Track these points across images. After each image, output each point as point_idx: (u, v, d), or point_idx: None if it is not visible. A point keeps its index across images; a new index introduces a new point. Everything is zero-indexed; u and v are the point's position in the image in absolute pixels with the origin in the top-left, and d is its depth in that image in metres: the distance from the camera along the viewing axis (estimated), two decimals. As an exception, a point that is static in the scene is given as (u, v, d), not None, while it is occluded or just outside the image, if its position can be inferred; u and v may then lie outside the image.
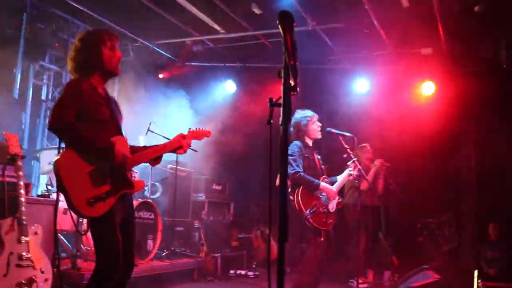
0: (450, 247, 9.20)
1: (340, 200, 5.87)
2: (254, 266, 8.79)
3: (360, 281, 6.71)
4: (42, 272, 4.35)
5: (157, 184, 7.98)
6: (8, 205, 4.48)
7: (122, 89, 8.53)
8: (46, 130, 7.86)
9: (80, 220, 5.72)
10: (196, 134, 3.90)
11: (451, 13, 7.21)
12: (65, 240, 6.03)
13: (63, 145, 3.44)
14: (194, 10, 7.44)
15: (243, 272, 8.13)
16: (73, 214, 3.40)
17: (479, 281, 6.62)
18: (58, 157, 3.34)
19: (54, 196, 5.59)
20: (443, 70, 8.83)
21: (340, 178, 5.94)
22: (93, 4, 7.36)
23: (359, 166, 6.16)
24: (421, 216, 9.35)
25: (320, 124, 5.95)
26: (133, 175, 3.63)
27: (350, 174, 5.93)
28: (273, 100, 2.23)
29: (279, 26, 2.20)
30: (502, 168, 9.12)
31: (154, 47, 8.85)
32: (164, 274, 6.74)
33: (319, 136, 5.95)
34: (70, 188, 3.27)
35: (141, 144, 4.25)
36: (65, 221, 5.97)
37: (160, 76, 9.67)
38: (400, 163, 8.44)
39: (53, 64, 7.90)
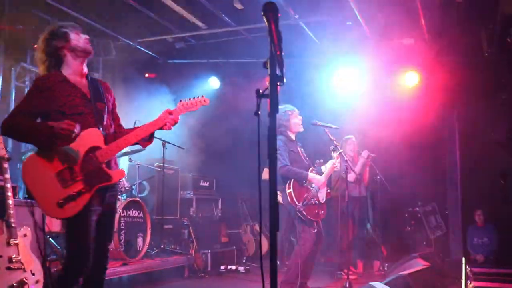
0: (437, 235, 9.32)
1: (328, 190, 5.96)
2: (244, 261, 8.84)
3: (349, 272, 6.78)
4: (33, 274, 4.35)
5: (144, 182, 8.00)
6: (-5, 208, 4.46)
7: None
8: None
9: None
10: (188, 105, 3.76)
11: (433, 3, 7.27)
12: (54, 242, 6.02)
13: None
14: (175, 6, 7.42)
15: (233, 267, 8.15)
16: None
17: (467, 267, 6.72)
18: (24, 161, 3.32)
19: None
20: (426, 61, 8.91)
21: (326, 168, 6.03)
22: (73, 4, 7.31)
23: (345, 158, 6.25)
24: (408, 205, 9.46)
25: (301, 118, 6.02)
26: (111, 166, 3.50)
27: (334, 163, 6.01)
28: (260, 91, 2.25)
29: (264, 17, 2.23)
30: (486, 156, 9.24)
31: (136, 45, 8.81)
32: (155, 272, 6.77)
33: (301, 129, 6.02)
34: (38, 193, 3.24)
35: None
36: (54, 223, 5.97)
37: (146, 75, 9.63)
38: (385, 153, 8.52)
39: (34, 65, 7.85)
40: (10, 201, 4.36)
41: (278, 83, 2.14)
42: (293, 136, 6.03)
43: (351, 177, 7.61)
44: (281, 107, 5.93)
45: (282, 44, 2.17)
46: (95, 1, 7.19)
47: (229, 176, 9.74)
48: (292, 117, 5.96)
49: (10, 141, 7.25)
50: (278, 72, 2.14)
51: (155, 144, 7.25)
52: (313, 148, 6.39)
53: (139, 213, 6.86)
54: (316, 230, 5.80)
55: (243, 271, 8.06)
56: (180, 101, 3.75)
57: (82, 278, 3.37)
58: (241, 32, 8.47)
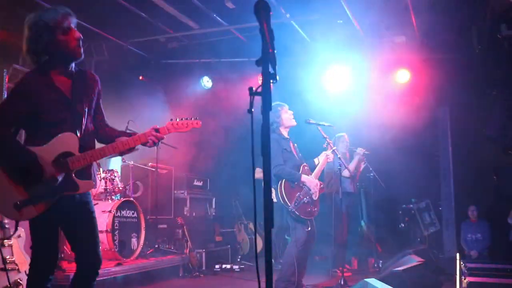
0: (431, 232, 9.38)
1: (322, 186, 5.98)
2: (239, 259, 8.87)
3: (344, 269, 6.82)
4: (27, 275, 4.35)
5: (138, 183, 8.01)
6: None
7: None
8: (23, 133, 7.80)
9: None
10: (179, 126, 3.55)
11: (424, 1, 7.31)
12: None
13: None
14: (167, 6, 7.43)
15: (228, 266, 8.20)
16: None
17: (462, 263, 6.76)
18: None
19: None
20: (417, 58, 8.96)
21: (319, 160, 6.06)
22: (64, 4, 7.29)
23: (338, 155, 6.28)
24: (402, 202, 9.51)
25: (292, 112, 6.04)
26: (92, 174, 3.37)
27: (327, 155, 6.04)
28: (253, 89, 2.26)
29: (256, 16, 2.24)
30: (479, 152, 9.30)
31: (128, 46, 8.81)
32: (150, 272, 6.78)
33: (293, 123, 6.02)
34: None
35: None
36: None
37: (140, 78, 9.62)
38: (378, 150, 8.55)
39: (26, 66, 7.83)
40: (4, 203, 4.36)
41: (271, 81, 2.16)
42: (285, 133, 6.04)
43: (345, 173, 7.65)
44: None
45: (274, 42, 2.19)
46: (86, 2, 7.18)
47: (223, 175, 9.77)
48: (282, 112, 5.98)
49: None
50: (270, 69, 2.15)
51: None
52: (307, 146, 6.40)
53: (133, 213, 6.88)
54: (309, 229, 5.83)
55: (238, 270, 8.10)
56: (171, 119, 3.54)
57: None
58: (233, 32, 8.48)
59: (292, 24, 7.96)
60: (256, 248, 8.67)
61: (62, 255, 5.70)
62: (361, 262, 8.61)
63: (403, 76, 9.25)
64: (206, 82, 9.96)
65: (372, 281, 3.96)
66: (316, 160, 6.13)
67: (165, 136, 3.50)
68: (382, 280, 4.63)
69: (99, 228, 3.60)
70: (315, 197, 5.86)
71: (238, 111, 8.73)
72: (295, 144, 6.16)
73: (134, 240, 6.81)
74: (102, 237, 6.08)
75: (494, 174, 9.52)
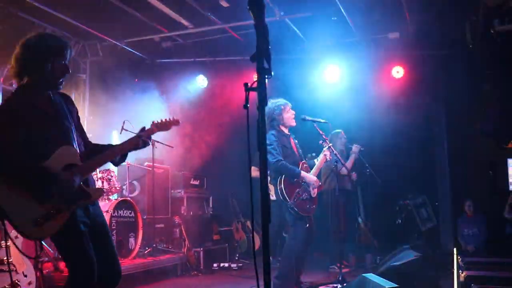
0: (428, 227, 9.40)
1: (320, 184, 6.01)
2: (237, 258, 8.89)
3: (342, 266, 6.84)
4: (25, 276, 4.37)
5: (135, 182, 8.01)
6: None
7: (93, 89, 8.50)
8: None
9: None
10: (161, 125, 3.79)
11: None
12: (45, 244, 6.02)
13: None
14: (161, 6, 7.42)
15: (226, 264, 8.21)
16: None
17: (459, 257, 6.79)
18: None
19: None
20: (412, 54, 8.99)
21: (317, 163, 6.08)
22: (58, 5, 7.30)
23: (335, 151, 6.30)
24: (398, 198, 9.53)
25: (293, 112, 6.07)
26: (93, 181, 3.48)
27: (325, 155, 6.07)
28: (248, 84, 2.27)
29: (250, 12, 2.24)
30: (474, 147, 9.34)
31: (123, 46, 8.80)
32: (148, 271, 6.79)
33: (293, 123, 6.07)
34: (12, 210, 3.01)
35: (114, 141, 4.07)
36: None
37: (135, 80, 9.62)
38: (374, 147, 8.58)
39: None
40: (1, 204, 4.36)
41: (266, 76, 2.17)
42: (286, 130, 6.08)
43: (342, 170, 7.66)
44: (274, 101, 6.02)
45: (269, 38, 2.19)
46: (80, 2, 7.18)
47: (219, 173, 9.79)
48: (285, 111, 6.01)
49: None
50: (265, 65, 2.16)
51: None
52: (303, 142, 6.43)
53: (130, 213, 6.89)
54: (307, 225, 5.86)
55: (236, 268, 8.11)
56: (153, 122, 3.76)
57: None
58: (228, 30, 8.49)
59: (286, 21, 7.97)
60: (254, 246, 8.68)
61: (60, 256, 5.69)
62: (359, 258, 8.63)
63: (398, 72, 9.27)
64: (202, 81, 9.96)
65: (370, 276, 3.97)
66: (315, 161, 6.16)
67: (151, 136, 3.70)
68: (380, 275, 4.64)
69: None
70: (313, 194, 5.89)
71: (234, 109, 8.76)
72: (296, 141, 6.19)
73: (131, 240, 6.82)
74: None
75: (489, 169, 9.56)
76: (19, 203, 3.03)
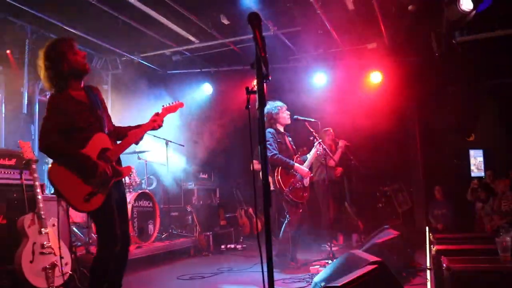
0: (404, 209, 9.46)
1: (311, 175, 6.06)
2: (241, 240, 8.92)
3: (332, 244, 6.88)
4: (62, 258, 4.40)
5: (152, 177, 8.04)
6: (27, 203, 4.51)
7: (115, 98, 8.53)
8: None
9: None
10: (169, 108, 3.94)
11: (390, 12, 7.36)
12: (77, 231, 6.07)
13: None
14: (171, 24, 7.46)
15: (232, 246, 8.20)
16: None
17: (430, 234, 6.85)
18: (49, 168, 3.30)
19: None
20: (388, 61, 9.02)
21: (309, 157, 6.13)
22: (83, 27, 7.34)
23: (324, 146, 6.35)
24: (378, 185, 9.58)
25: (288, 113, 6.13)
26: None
27: (318, 150, 6.12)
28: (249, 88, 2.31)
29: (249, 25, 2.26)
30: (442, 140, 9.39)
31: (139, 60, 8.84)
32: (165, 253, 6.81)
33: (288, 122, 6.14)
34: (66, 192, 3.25)
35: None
36: (77, 214, 6.03)
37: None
38: (357, 141, 8.61)
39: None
40: (40, 197, 4.42)
41: (264, 81, 2.20)
42: (281, 129, 6.13)
43: (331, 163, 7.69)
44: (271, 103, 6.06)
45: (266, 47, 2.22)
46: (102, 24, 7.21)
47: (225, 168, 9.81)
48: (281, 112, 6.07)
49: (36, 145, 7.29)
50: (264, 70, 2.20)
51: (159, 143, 7.34)
52: (296, 139, 6.46)
53: (149, 203, 6.92)
54: (301, 210, 5.91)
55: (241, 248, 8.11)
56: (163, 106, 3.92)
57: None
58: (229, 44, 8.53)
59: (278, 35, 8.01)
60: (257, 229, 8.74)
61: (90, 241, 5.74)
62: (346, 238, 8.67)
63: (376, 77, 9.31)
64: (207, 88, 10.00)
65: (356, 252, 4.01)
66: (308, 156, 6.20)
67: (164, 118, 3.85)
68: (365, 251, 4.69)
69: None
70: (306, 183, 5.94)
71: (235, 112, 8.79)
72: (290, 138, 6.23)
73: (150, 226, 6.85)
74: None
75: (455, 158, 9.62)
76: (69, 184, 3.25)
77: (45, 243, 4.29)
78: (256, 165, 7.00)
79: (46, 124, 3.32)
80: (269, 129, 5.94)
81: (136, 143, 3.73)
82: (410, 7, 7.16)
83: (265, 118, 5.93)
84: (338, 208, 8.50)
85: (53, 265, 4.27)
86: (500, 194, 8.11)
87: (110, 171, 3.41)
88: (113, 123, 3.80)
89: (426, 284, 4.45)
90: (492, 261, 3.90)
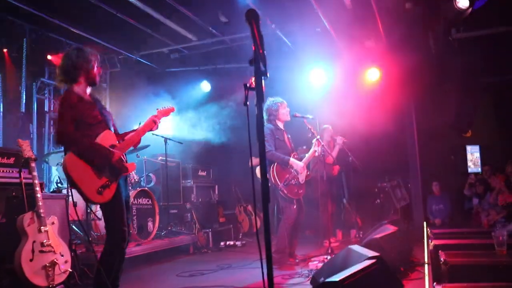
0: (402, 205, 9.47)
1: (308, 173, 6.05)
2: (240, 236, 8.93)
3: (331, 240, 6.89)
4: (62, 255, 4.39)
5: (150, 175, 8.03)
6: (27, 202, 4.49)
7: (113, 96, 8.53)
8: (52, 137, 7.85)
9: (88, 211, 5.77)
10: (164, 112, 4.11)
11: (387, 10, 7.37)
12: (76, 229, 6.06)
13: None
14: (169, 22, 7.45)
15: (231, 242, 8.20)
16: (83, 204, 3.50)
17: (428, 229, 6.87)
18: (65, 158, 3.41)
19: (64, 191, 5.63)
20: (385, 59, 9.03)
21: (307, 155, 6.12)
22: (82, 25, 7.34)
23: (322, 143, 6.34)
24: (377, 182, 9.59)
25: (288, 109, 6.11)
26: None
27: (315, 151, 6.11)
28: (248, 84, 2.31)
29: (247, 22, 2.26)
30: (439, 136, 9.41)
31: (137, 58, 8.83)
32: (165, 250, 6.80)
33: (288, 118, 6.12)
34: (81, 183, 3.37)
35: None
36: (75, 212, 6.00)
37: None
38: (355, 138, 8.61)
39: (52, 80, 7.86)
40: (39, 195, 4.40)
41: (263, 77, 2.19)
42: (281, 125, 6.11)
43: (329, 160, 7.68)
44: (272, 99, 6.04)
45: (264, 44, 2.22)
46: (100, 22, 7.21)
47: (223, 165, 9.82)
48: (281, 108, 6.05)
49: (34, 143, 7.30)
50: (262, 67, 2.19)
51: (158, 141, 7.34)
52: (294, 136, 6.46)
53: (148, 201, 6.91)
54: (295, 207, 5.91)
55: (240, 245, 8.12)
56: (157, 109, 4.12)
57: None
58: (226, 42, 8.51)
59: (277, 33, 8.00)
60: (256, 226, 8.75)
61: (90, 239, 5.73)
62: (345, 233, 8.68)
63: (374, 74, 9.32)
64: (205, 85, 9.99)
65: (355, 247, 4.02)
66: (306, 155, 6.20)
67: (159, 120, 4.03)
68: (363, 246, 4.70)
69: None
70: (301, 180, 5.93)
71: (234, 109, 8.79)
72: (289, 136, 6.22)
73: (150, 224, 6.84)
74: (124, 222, 6.12)
75: (452, 154, 9.65)
76: (84, 175, 3.39)
77: (44, 241, 4.28)
78: (254, 160, 6.99)
79: (61, 117, 3.47)
80: (268, 125, 5.93)
81: (135, 146, 3.90)
82: (407, 5, 7.17)
83: (264, 114, 5.98)
84: (336, 205, 8.50)
85: (53, 263, 4.26)
86: (497, 189, 8.13)
87: (125, 160, 3.64)
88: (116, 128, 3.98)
89: (424, 279, 4.45)
90: (488, 256, 3.92)
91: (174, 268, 6.07)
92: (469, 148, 9.01)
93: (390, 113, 9.26)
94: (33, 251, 4.15)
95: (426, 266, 5.05)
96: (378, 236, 4.98)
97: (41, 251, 4.22)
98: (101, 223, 6.03)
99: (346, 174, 8.97)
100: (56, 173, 6.69)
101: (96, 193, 3.39)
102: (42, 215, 4.34)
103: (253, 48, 2.18)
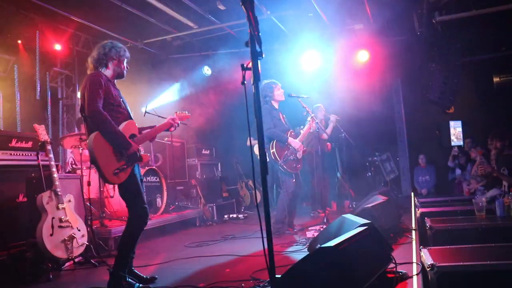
0: (392, 177, 9.53)
1: (304, 148, 6.07)
2: (242, 210, 8.99)
3: (326, 210, 6.94)
4: (79, 230, 4.45)
5: (158, 154, 8.07)
6: (45, 182, 4.53)
7: (119, 84, 8.49)
8: (65, 121, 7.86)
9: (102, 189, 5.80)
10: (181, 116, 4.21)
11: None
12: (91, 206, 6.10)
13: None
14: (170, 11, 7.38)
15: (234, 215, 8.26)
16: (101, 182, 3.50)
17: (415, 199, 6.93)
18: (92, 136, 3.40)
19: (79, 172, 5.66)
20: (373, 41, 8.98)
21: (302, 132, 6.14)
22: (89, 16, 7.27)
23: (316, 121, 6.35)
24: (368, 156, 9.63)
25: (283, 90, 6.11)
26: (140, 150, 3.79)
27: (310, 127, 6.14)
28: (244, 65, 2.30)
29: (243, 6, 2.24)
30: (424, 113, 9.42)
31: (142, 46, 8.76)
32: (173, 224, 6.86)
33: (283, 98, 6.12)
34: (101, 162, 3.37)
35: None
36: (90, 191, 6.05)
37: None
38: (347, 116, 8.62)
39: (63, 69, 7.82)
40: (55, 175, 4.43)
41: (258, 58, 2.19)
42: (276, 105, 6.11)
43: (323, 136, 7.69)
44: (267, 81, 6.03)
45: (259, 27, 2.20)
46: (106, 13, 7.14)
47: (225, 144, 9.83)
48: (275, 89, 6.05)
49: (50, 128, 7.31)
50: (257, 48, 2.19)
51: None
52: (289, 116, 6.46)
53: (156, 179, 6.94)
54: (294, 180, 5.95)
55: (242, 218, 8.18)
56: (176, 112, 4.20)
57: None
58: (225, 28, 8.45)
59: (272, 19, 7.93)
60: (257, 200, 8.81)
61: (104, 215, 5.79)
62: (339, 204, 8.75)
63: (363, 56, 9.28)
64: (206, 70, 9.93)
65: (348, 216, 4.06)
66: (301, 131, 6.22)
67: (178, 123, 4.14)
68: (356, 215, 4.74)
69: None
70: (299, 156, 5.96)
71: (233, 91, 8.77)
72: (284, 115, 6.23)
73: (158, 200, 6.88)
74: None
75: (436, 129, 9.67)
76: (105, 155, 3.40)
77: (62, 217, 4.33)
78: (252, 141, 7.01)
79: (90, 94, 3.44)
80: (265, 105, 5.94)
81: (152, 140, 4.05)
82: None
83: (260, 95, 5.97)
84: (330, 178, 8.54)
85: (71, 237, 4.32)
86: (477, 161, 8.16)
87: (140, 153, 3.66)
88: None
89: (411, 243, 4.51)
90: (469, 220, 3.98)
91: (183, 239, 6.12)
92: (452, 123, 9.02)
93: (379, 92, 9.28)
94: (52, 226, 4.21)
95: (413, 231, 5.11)
96: (370, 205, 5.02)
97: (60, 227, 4.28)
98: (113, 201, 6.06)
99: (339, 149, 9.00)
100: (71, 155, 6.71)
101: (112, 174, 3.40)
102: (59, 193, 4.39)
103: (249, 31, 2.17)
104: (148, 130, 3.89)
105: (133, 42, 8.53)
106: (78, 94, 7.78)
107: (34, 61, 6.80)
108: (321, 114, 8.10)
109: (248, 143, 7.91)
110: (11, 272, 4.22)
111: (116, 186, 3.80)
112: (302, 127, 6.65)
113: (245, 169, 9.86)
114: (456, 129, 9.06)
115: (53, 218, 4.24)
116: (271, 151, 5.78)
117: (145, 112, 7.08)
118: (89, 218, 5.17)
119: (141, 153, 3.73)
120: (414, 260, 3.68)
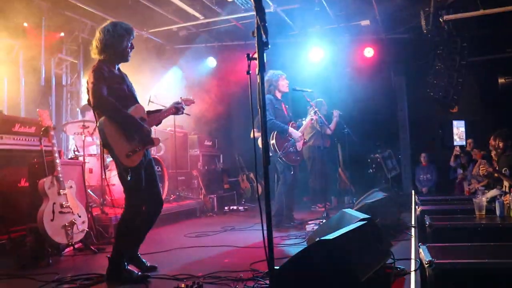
0: (393, 175, 9.51)
1: (305, 140, 6.07)
2: (243, 202, 9.00)
3: (326, 205, 6.94)
4: (80, 216, 4.46)
5: (160, 144, 8.05)
6: (47, 167, 4.53)
7: (125, 71, 8.47)
8: (69, 108, 7.86)
9: (103, 177, 5.81)
10: (186, 101, 4.11)
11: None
12: (92, 193, 6.12)
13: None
14: (177, 1, 7.35)
15: (235, 207, 8.27)
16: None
17: (416, 197, 6.91)
18: (101, 120, 3.35)
19: (81, 159, 5.66)
20: (379, 38, 8.94)
21: (304, 123, 6.14)
22: (95, 4, 7.26)
23: (319, 114, 6.34)
24: (370, 152, 9.60)
25: (287, 81, 6.10)
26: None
27: (312, 119, 6.13)
28: (250, 54, 2.28)
29: None
30: (428, 111, 9.38)
31: (148, 35, 8.74)
32: (174, 214, 6.86)
33: (287, 90, 6.12)
34: (114, 144, 3.34)
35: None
36: (91, 178, 6.07)
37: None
38: (350, 112, 8.60)
39: (68, 56, 7.80)
40: (58, 161, 4.44)
41: (264, 48, 2.17)
42: (279, 96, 6.11)
43: (327, 131, 7.66)
44: (272, 71, 6.02)
45: (265, 17, 2.18)
46: (113, 2, 7.13)
47: (227, 135, 9.83)
48: (280, 80, 6.05)
49: (53, 114, 7.32)
50: (263, 38, 2.17)
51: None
52: (293, 109, 6.46)
53: (158, 168, 6.89)
54: (292, 173, 5.94)
55: (243, 210, 8.19)
56: (181, 97, 4.09)
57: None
58: (232, 20, 8.42)
59: (278, 12, 7.89)
60: (258, 192, 8.82)
61: (105, 202, 5.80)
62: (339, 200, 8.75)
63: (369, 52, 9.24)
64: (211, 62, 9.92)
65: (348, 211, 4.05)
66: (303, 122, 6.21)
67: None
68: (356, 210, 4.74)
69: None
70: (298, 148, 5.96)
71: (237, 83, 8.74)
72: (287, 106, 6.22)
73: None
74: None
75: (439, 128, 9.64)
76: (117, 138, 3.36)
77: (63, 203, 4.34)
78: (256, 133, 7.00)
79: (95, 85, 3.38)
80: (268, 95, 5.93)
81: (157, 125, 3.92)
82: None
83: (265, 84, 5.95)
84: (332, 173, 8.53)
85: (72, 223, 4.33)
86: (478, 162, 8.14)
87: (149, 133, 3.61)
88: None
89: (410, 240, 4.52)
90: (469, 219, 3.98)
91: (182, 229, 6.13)
92: (455, 123, 8.97)
93: (383, 89, 9.25)
94: (53, 211, 4.22)
95: (413, 229, 5.11)
96: (370, 201, 5.02)
97: (61, 212, 4.28)
98: (115, 188, 6.06)
99: (341, 145, 8.98)
100: (73, 142, 6.72)
101: (125, 156, 3.36)
102: (61, 179, 4.39)
103: (256, 20, 2.15)
104: (155, 113, 3.84)
105: (139, 31, 8.50)
106: (83, 81, 7.77)
107: (40, 47, 6.78)
108: (323, 109, 8.09)
109: (252, 135, 7.88)
110: (11, 256, 4.24)
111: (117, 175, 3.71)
112: (304, 119, 6.64)
113: (246, 162, 9.86)
114: (459, 129, 9.01)
115: (54, 203, 4.25)
116: (271, 142, 5.77)
117: (149, 101, 7.08)
118: (90, 204, 5.18)
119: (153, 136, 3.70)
120: (413, 256, 3.68)
